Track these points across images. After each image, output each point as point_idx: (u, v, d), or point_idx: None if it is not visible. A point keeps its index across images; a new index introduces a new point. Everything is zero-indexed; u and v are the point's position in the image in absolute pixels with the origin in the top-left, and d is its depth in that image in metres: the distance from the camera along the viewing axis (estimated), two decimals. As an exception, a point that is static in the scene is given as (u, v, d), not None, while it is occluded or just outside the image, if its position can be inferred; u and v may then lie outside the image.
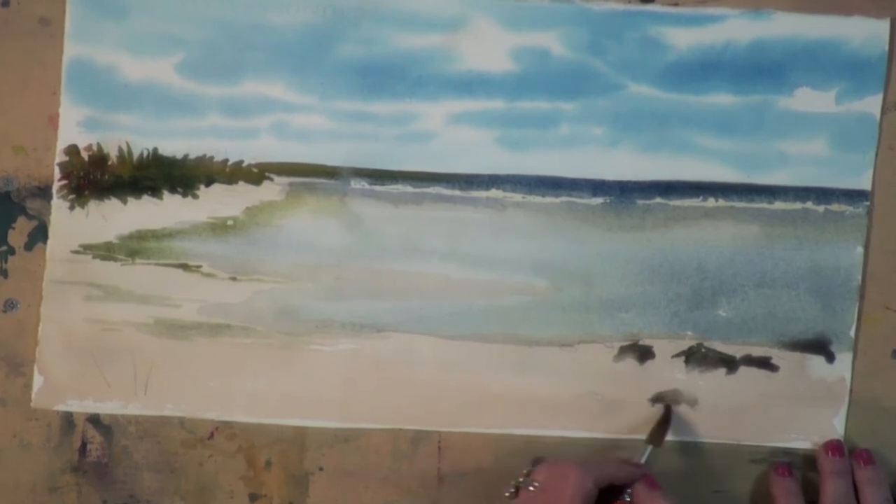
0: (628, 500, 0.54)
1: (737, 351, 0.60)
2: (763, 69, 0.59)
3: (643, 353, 0.60)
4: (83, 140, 0.60)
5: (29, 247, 0.60)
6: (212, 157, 0.60)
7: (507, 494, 0.54)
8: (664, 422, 0.59)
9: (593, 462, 0.55)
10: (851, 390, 0.60)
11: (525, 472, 0.54)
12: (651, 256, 0.60)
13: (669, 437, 0.59)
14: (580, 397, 0.60)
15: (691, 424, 0.60)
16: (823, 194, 0.59)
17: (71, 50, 0.60)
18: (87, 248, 0.60)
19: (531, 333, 0.60)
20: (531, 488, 0.52)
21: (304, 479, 0.61)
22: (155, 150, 0.60)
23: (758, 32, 0.59)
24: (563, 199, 0.60)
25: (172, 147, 0.60)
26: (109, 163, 0.60)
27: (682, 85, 0.59)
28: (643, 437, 0.58)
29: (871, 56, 0.59)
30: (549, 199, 0.60)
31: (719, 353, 0.60)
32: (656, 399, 0.60)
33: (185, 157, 0.60)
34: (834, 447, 0.58)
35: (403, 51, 0.60)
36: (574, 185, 0.60)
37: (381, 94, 0.60)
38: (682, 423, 0.60)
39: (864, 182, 0.59)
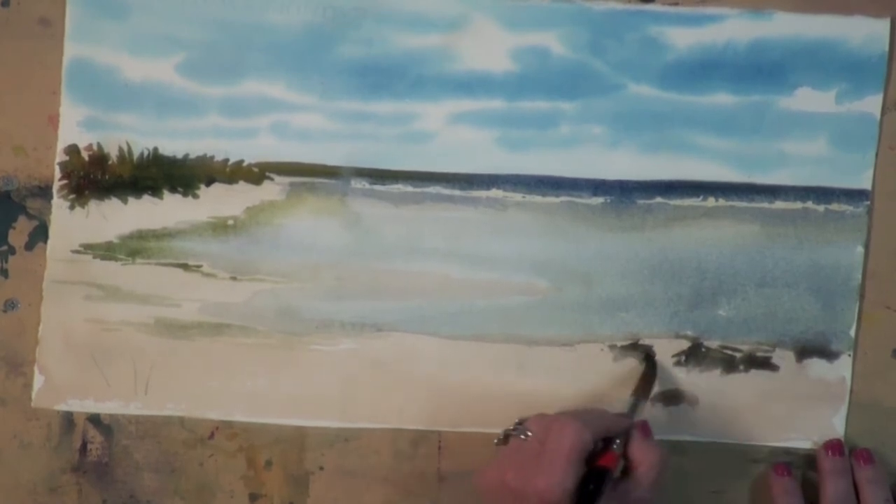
0: (617, 449, 0.52)
1: (737, 351, 0.60)
2: (763, 69, 0.59)
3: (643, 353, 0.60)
4: (83, 140, 0.60)
5: (29, 246, 0.60)
6: (212, 157, 0.60)
7: (495, 441, 0.54)
8: (649, 374, 0.58)
9: (590, 416, 0.53)
10: (851, 390, 0.60)
11: (516, 421, 0.53)
12: (651, 256, 0.60)
13: (672, 436, 0.59)
14: (580, 397, 0.60)
15: (691, 424, 0.60)
16: (824, 194, 0.59)
17: (71, 50, 0.60)
18: (87, 248, 0.60)
19: (531, 333, 0.60)
20: (523, 437, 0.52)
21: (305, 478, 0.61)
22: (155, 149, 0.60)
23: (758, 32, 0.59)
24: (564, 198, 0.60)
25: (173, 147, 0.60)
26: (110, 162, 0.60)
27: (682, 85, 0.59)
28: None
29: (871, 56, 0.59)
30: (550, 199, 0.60)
31: (719, 352, 0.60)
32: (657, 399, 0.60)
33: (186, 156, 0.60)
34: (834, 447, 0.58)
35: (403, 51, 0.60)
36: (574, 184, 0.60)
37: (381, 94, 0.60)
38: (682, 423, 0.60)
39: (864, 182, 0.59)
